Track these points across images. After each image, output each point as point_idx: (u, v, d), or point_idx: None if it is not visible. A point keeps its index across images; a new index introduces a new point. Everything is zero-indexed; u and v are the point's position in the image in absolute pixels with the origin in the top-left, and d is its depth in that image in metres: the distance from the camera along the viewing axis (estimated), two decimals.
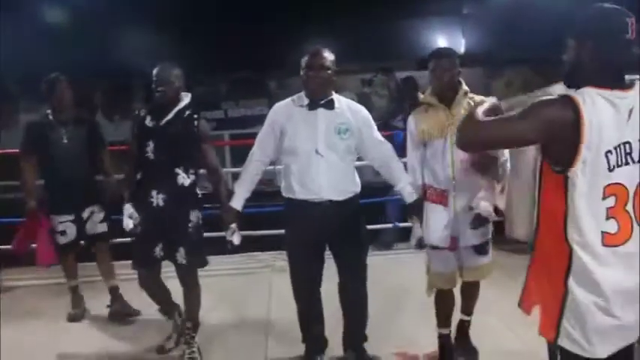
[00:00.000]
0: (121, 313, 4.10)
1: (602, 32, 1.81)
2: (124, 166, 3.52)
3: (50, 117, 4.01)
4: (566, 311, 1.84)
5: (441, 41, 11.19)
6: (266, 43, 9.24)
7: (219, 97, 10.80)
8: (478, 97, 3.03)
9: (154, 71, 3.30)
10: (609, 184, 1.77)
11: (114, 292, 4.20)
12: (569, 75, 1.90)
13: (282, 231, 3.36)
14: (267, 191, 3.96)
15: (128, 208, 3.34)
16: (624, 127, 1.76)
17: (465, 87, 3.12)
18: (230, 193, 3.30)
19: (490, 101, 2.11)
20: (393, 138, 4.80)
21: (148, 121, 3.33)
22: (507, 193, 3.17)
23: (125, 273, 4.10)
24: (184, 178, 3.32)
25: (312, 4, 9.40)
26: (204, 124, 3.39)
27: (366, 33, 9.93)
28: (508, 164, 3.12)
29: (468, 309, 3.41)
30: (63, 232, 4.05)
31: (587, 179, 1.76)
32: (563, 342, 1.86)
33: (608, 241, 1.79)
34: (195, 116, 3.35)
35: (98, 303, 4.26)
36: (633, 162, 1.78)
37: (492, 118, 1.90)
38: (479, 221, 3.05)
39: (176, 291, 3.52)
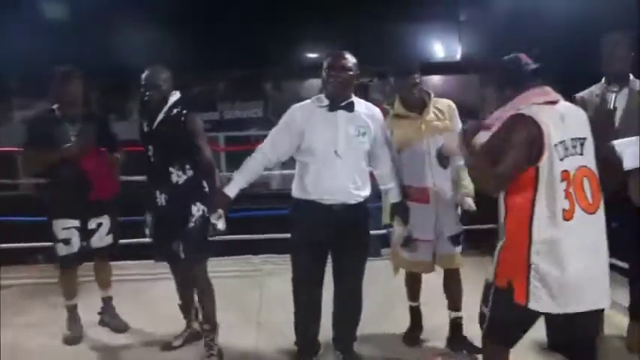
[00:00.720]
0: (109, 326, 4.00)
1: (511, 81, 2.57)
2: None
3: (56, 112, 3.74)
4: (532, 279, 2.36)
5: (438, 47, 11.25)
6: (263, 45, 9.26)
7: (214, 98, 10.80)
8: (441, 101, 3.46)
9: (143, 75, 3.35)
10: (562, 171, 2.35)
11: (107, 302, 4.05)
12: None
13: (275, 235, 3.35)
14: (262, 194, 3.97)
15: (148, 216, 3.54)
16: (561, 129, 2.38)
17: (430, 93, 3.44)
18: (222, 187, 3.27)
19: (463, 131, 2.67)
20: None
21: (145, 126, 3.44)
22: None
23: (120, 274, 4.12)
24: (179, 176, 3.39)
25: (309, 8, 9.41)
26: (191, 118, 3.39)
27: (362, 37, 9.96)
28: None
29: (455, 305, 3.57)
30: (66, 241, 3.70)
31: (550, 167, 2.34)
32: (533, 305, 2.37)
33: (565, 215, 2.35)
34: (184, 112, 3.38)
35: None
36: (572, 155, 2.39)
37: (497, 167, 2.39)
38: (465, 214, 3.50)
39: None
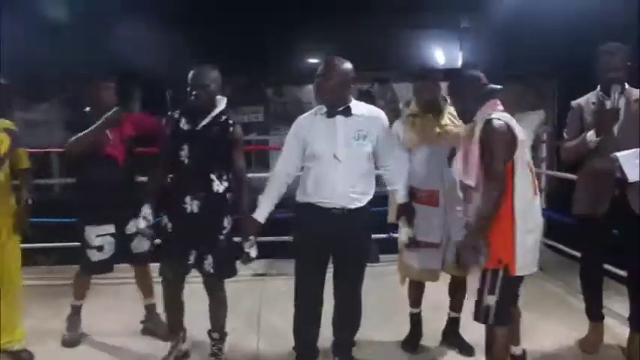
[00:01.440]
0: (153, 332, 3.92)
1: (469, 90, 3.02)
2: (154, 168, 3.37)
3: (91, 117, 3.63)
4: (517, 248, 2.83)
5: (439, 54, 11.27)
6: (264, 50, 9.28)
7: None
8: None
9: (190, 73, 3.22)
10: (527, 161, 2.89)
11: (150, 309, 3.98)
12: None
13: (276, 238, 3.36)
14: None
15: (146, 208, 3.26)
16: (517, 129, 2.86)
17: (447, 98, 3.44)
18: (252, 203, 3.26)
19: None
20: None
21: (183, 124, 3.26)
22: None
23: (123, 276, 4.10)
24: (219, 185, 3.25)
25: (310, 13, 9.43)
26: (238, 130, 3.33)
27: (363, 43, 9.98)
28: None
29: (456, 306, 3.69)
30: (100, 248, 3.59)
31: (521, 160, 2.84)
32: (522, 272, 2.90)
33: (532, 195, 2.90)
34: (231, 122, 3.30)
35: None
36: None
37: (491, 168, 2.80)
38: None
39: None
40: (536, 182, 2.99)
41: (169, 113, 3.34)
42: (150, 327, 3.98)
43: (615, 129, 3.33)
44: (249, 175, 3.53)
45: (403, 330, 3.81)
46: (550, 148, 5.59)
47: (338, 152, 3.12)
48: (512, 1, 8.30)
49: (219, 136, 3.24)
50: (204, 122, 3.23)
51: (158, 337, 3.85)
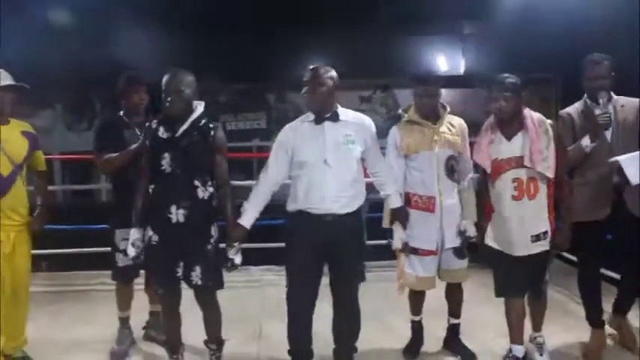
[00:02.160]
0: (155, 339, 3.90)
1: None
2: (136, 183, 3.26)
3: (124, 118, 3.67)
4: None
5: (441, 60, 11.27)
6: (266, 56, 9.29)
7: (217, 109, 10.83)
8: (454, 118, 3.54)
9: (164, 79, 3.10)
10: None
11: (155, 315, 3.93)
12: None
13: (274, 245, 3.35)
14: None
15: (134, 234, 3.16)
16: None
17: (447, 106, 3.52)
18: (237, 209, 3.23)
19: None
20: None
21: (162, 133, 3.15)
22: None
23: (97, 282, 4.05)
24: (204, 191, 3.14)
25: (313, 19, 9.45)
26: (220, 134, 3.22)
27: (366, 50, 9.99)
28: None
29: (455, 312, 3.71)
30: (126, 252, 3.40)
31: None
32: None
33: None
34: (212, 125, 3.19)
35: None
36: None
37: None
38: (467, 242, 3.53)
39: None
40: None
41: (147, 124, 3.25)
42: (151, 334, 3.96)
43: (608, 135, 3.43)
44: (251, 182, 3.51)
45: (404, 337, 3.80)
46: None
47: (328, 157, 3.13)
48: (514, 8, 8.31)
49: (199, 142, 3.13)
50: (182, 128, 3.12)
51: (159, 344, 3.83)
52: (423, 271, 3.50)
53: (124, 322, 3.86)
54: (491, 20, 9.14)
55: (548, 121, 3.29)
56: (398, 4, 9.17)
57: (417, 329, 3.75)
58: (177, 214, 3.10)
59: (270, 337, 3.99)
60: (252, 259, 5.41)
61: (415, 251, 3.48)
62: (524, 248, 3.28)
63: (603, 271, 3.95)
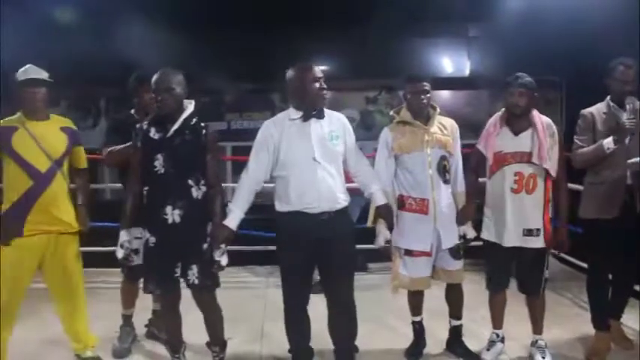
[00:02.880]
0: (157, 337, 3.92)
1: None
2: (128, 185, 3.26)
3: (136, 117, 3.66)
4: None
5: (447, 62, 11.25)
6: (271, 56, 9.29)
7: (222, 108, 10.84)
8: (445, 119, 3.56)
9: (153, 78, 3.10)
10: None
11: (158, 314, 3.91)
12: None
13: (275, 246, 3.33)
14: (265, 205, 3.93)
15: (123, 235, 3.13)
16: None
17: (437, 107, 3.53)
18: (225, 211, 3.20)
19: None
20: None
21: (153, 134, 3.13)
22: None
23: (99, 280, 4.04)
24: (197, 191, 3.12)
25: (319, 20, 9.44)
26: (212, 134, 3.21)
27: (371, 51, 9.98)
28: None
29: (456, 314, 3.72)
30: (136, 251, 3.39)
31: None
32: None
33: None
34: (203, 124, 3.19)
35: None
36: None
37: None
38: (465, 242, 3.56)
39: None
40: None
41: (137, 125, 3.23)
42: (154, 332, 3.96)
43: (627, 138, 3.43)
44: None
45: (407, 338, 3.80)
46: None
47: (316, 154, 3.13)
48: (519, 10, 8.31)
49: (191, 141, 3.11)
50: (174, 128, 3.10)
51: (161, 342, 3.83)
52: (417, 272, 3.50)
53: (127, 319, 3.87)
54: (497, 23, 9.13)
55: (554, 126, 3.43)
56: (404, 6, 9.15)
57: (419, 330, 3.75)
58: (172, 215, 3.09)
59: (272, 336, 3.98)
60: (256, 259, 5.44)
61: (409, 253, 3.49)
62: (515, 239, 3.41)
63: None
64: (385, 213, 3.39)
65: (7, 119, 3.36)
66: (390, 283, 3.66)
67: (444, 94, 10.67)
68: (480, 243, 3.63)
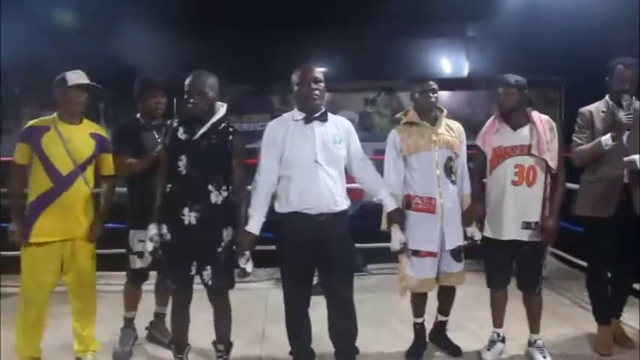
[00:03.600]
0: (158, 340, 3.94)
1: None
2: (155, 181, 3.26)
3: (142, 121, 3.68)
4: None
5: (445, 63, 11.27)
6: (270, 58, 9.30)
7: None
8: (452, 121, 3.61)
9: (187, 80, 3.10)
10: None
11: (159, 317, 3.97)
12: None
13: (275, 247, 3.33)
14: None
15: (152, 229, 3.15)
16: None
17: (443, 109, 3.59)
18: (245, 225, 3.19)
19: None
20: None
21: (181, 134, 3.14)
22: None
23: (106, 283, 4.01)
24: (217, 196, 3.12)
25: (317, 22, 9.46)
26: (239, 139, 3.19)
27: (370, 53, 10.00)
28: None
29: (445, 310, 3.80)
30: (140, 254, 3.47)
31: None
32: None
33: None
34: (231, 129, 3.19)
35: None
36: None
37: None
38: (472, 243, 3.60)
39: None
40: None
41: (168, 122, 3.26)
42: (155, 335, 3.96)
43: (624, 137, 3.49)
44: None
45: (407, 340, 3.80)
46: None
47: (318, 156, 3.14)
48: (517, 10, 8.32)
49: (217, 145, 3.12)
50: (201, 131, 3.11)
51: (163, 345, 3.84)
52: (424, 273, 3.51)
53: (129, 322, 3.87)
54: (495, 23, 9.16)
55: (554, 123, 3.50)
56: (402, 7, 9.17)
57: (420, 331, 3.75)
58: (189, 216, 3.11)
59: (273, 338, 3.99)
60: (257, 260, 5.43)
61: (416, 253, 3.49)
62: (513, 232, 3.45)
63: None
64: (398, 217, 3.41)
65: (42, 119, 3.39)
66: (393, 284, 3.67)
67: (443, 95, 10.66)
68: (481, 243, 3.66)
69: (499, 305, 3.68)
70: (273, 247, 3.34)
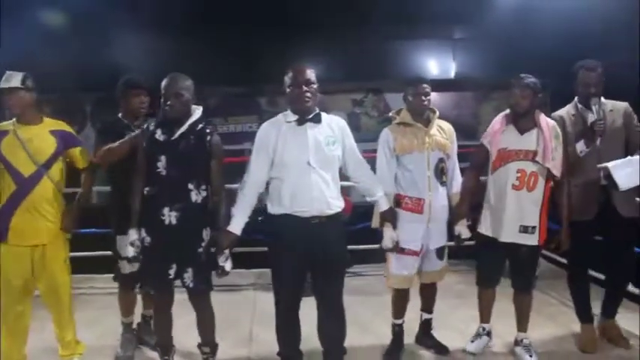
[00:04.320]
0: (146, 342, 3.89)
1: None
2: (132, 184, 3.23)
3: (124, 121, 3.65)
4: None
5: (432, 64, 11.31)
6: (257, 59, 9.29)
7: (208, 112, 10.80)
8: (444, 122, 3.63)
9: (163, 83, 3.13)
10: None
11: (146, 320, 3.92)
12: None
13: (267, 248, 3.32)
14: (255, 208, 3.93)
15: (132, 234, 3.16)
16: None
17: (436, 110, 3.60)
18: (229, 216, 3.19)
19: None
20: None
21: (159, 135, 3.16)
22: None
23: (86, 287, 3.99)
24: (197, 195, 3.15)
25: (304, 23, 9.46)
26: (216, 140, 3.22)
27: (357, 54, 10.00)
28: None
29: (428, 307, 3.84)
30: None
31: None
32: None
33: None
34: (208, 130, 3.21)
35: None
36: None
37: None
38: (459, 241, 3.62)
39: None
40: None
41: (144, 125, 3.25)
42: (141, 337, 3.93)
43: (598, 139, 3.52)
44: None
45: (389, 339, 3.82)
46: None
47: (311, 159, 3.12)
48: (504, 13, 8.36)
49: (196, 146, 3.15)
50: (180, 131, 3.14)
51: (150, 347, 3.82)
52: (406, 270, 3.56)
53: (128, 327, 3.84)
54: (482, 25, 9.19)
55: (559, 129, 3.54)
56: (389, 9, 9.19)
57: (398, 333, 3.77)
58: (169, 217, 3.12)
59: (261, 339, 3.98)
60: (245, 262, 5.42)
61: (401, 250, 3.52)
62: (510, 235, 3.48)
63: (593, 273, 4.04)
64: (391, 217, 3.45)
65: (2, 124, 3.37)
66: (379, 283, 3.67)
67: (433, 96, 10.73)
68: (473, 243, 3.70)
69: (487, 303, 3.74)
70: (260, 249, 3.33)
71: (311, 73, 3.17)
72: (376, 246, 3.62)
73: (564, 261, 4.99)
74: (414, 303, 3.82)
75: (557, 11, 7.22)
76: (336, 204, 3.20)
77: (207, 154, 3.18)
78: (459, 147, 3.68)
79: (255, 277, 5.39)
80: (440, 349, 3.77)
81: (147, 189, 3.17)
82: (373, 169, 3.50)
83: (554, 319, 4.31)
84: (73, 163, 3.51)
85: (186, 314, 3.38)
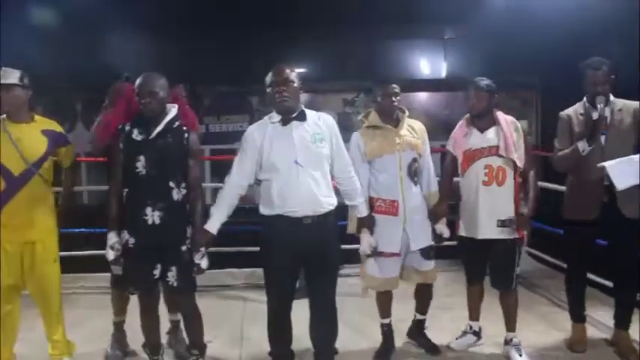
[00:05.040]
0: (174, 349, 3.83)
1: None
2: (110, 187, 3.22)
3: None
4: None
5: (424, 64, 11.34)
6: (249, 59, 9.29)
7: (200, 112, 10.80)
8: (414, 121, 3.64)
9: (137, 82, 3.12)
10: None
11: (175, 325, 3.86)
12: None
13: (258, 248, 3.31)
14: (245, 208, 3.92)
15: (112, 237, 3.12)
16: None
17: (405, 110, 3.61)
18: (206, 215, 3.19)
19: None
20: None
21: (136, 135, 3.13)
22: None
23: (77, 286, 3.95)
24: (178, 193, 3.14)
25: (297, 23, 9.46)
26: (194, 138, 3.23)
27: (349, 54, 10.02)
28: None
29: (423, 309, 3.82)
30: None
31: None
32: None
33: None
34: (185, 128, 3.21)
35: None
36: None
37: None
38: (440, 240, 3.65)
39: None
40: None
41: (119, 127, 3.21)
42: (172, 343, 3.87)
43: (602, 138, 3.50)
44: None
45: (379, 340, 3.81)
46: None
47: (298, 157, 3.09)
48: (496, 13, 8.39)
49: (173, 144, 3.14)
50: (157, 130, 3.12)
51: (183, 354, 3.70)
52: (388, 273, 3.55)
53: (119, 326, 3.81)
54: (473, 24, 9.23)
55: (519, 123, 3.64)
56: (380, 8, 9.21)
57: (387, 333, 3.75)
58: (152, 216, 3.10)
59: (251, 339, 3.97)
60: (235, 261, 5.42)
61: (380, 254, 3.51)
62: (489, 231, 3.52)
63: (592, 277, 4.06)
64: (369, 223, 3.47)
65: None
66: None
67: (421, 96, 10.75)
68: (455, 243, 3.74)
69: (474, 299, 3.79)
70: (251, 249, 3.32)
71: (290, 72, 3.11)
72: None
73: (555, 261, 5.06)
74: (410, 306, 3.84)
75: (547, 12, 7.25)
76: (327, 202, 3.16)
77: (185, 152, 3.18)
78: (442, 146, 3.70)
79: (246, 276, 5.38)
80: (431, 349, 3.78)
81: (125, 190, 3.16)
82: None
83: (545, 318, 4.32)
84: (59, 162, 3.49)
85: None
